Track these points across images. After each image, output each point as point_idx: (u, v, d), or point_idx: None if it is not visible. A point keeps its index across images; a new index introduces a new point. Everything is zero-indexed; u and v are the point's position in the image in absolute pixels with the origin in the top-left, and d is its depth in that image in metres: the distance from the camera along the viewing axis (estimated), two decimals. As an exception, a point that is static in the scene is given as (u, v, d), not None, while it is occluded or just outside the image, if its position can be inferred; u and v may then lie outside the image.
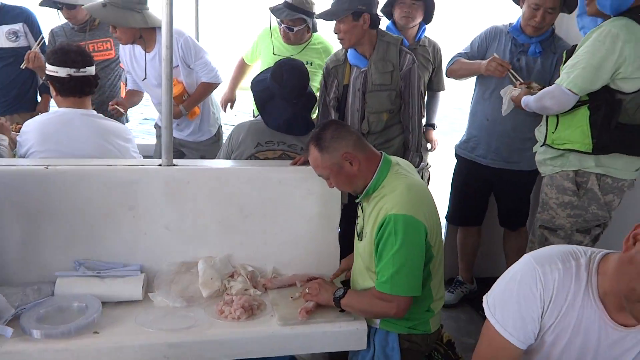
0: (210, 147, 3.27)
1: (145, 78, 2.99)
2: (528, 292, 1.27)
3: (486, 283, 1.43)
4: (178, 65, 2.92)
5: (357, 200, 2.01)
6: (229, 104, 3.70)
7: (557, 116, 2.22)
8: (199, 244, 2.19)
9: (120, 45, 3.05)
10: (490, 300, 1.35)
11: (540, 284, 1.26)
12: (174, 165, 2.16)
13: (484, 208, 3.10)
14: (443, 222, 3.27)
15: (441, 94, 3.49)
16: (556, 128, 2.24)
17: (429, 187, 3.18)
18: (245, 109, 4.68)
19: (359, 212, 2.04)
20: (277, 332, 1.85)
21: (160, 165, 2.15)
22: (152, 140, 3.52)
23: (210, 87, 3.08)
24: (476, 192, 3.04)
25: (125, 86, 3.35)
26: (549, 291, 1.26)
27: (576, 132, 2.15)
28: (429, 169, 3.48)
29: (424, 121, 3.41)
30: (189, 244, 2.17)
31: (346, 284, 2.18)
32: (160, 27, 2.18)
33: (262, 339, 1.84)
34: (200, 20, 3.70)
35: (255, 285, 2.13)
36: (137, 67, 3.03)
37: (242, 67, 3.70)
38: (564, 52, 2.29)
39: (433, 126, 3.53)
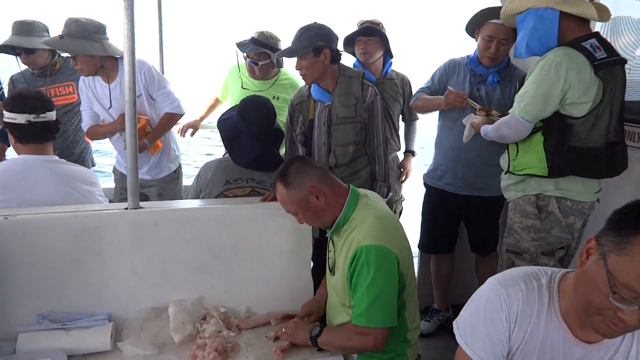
0: (169, 185, 3.21)
1: (110, 107, 2.92)
2: (494, 314, 1.29)
3: (462, 309, 1.43)
4: (141, 95, 2.89)
5: (327, 235, 2.00)
6: (191, 130, 3.68)
7: (517, 143, 2.28)
8: (168, 288, 2.13)
9: (81, 79, 3.01)
10: (460, 326, 1.36)
11: (505, 305, 1.28)
12: (141, 207, 2.12)
13: (454, 235, 3.13)
14: (416, 250, 3.29)
15: (418, 122, 3.58)
16: (517, 155, 2.31)
17: (401, 219, 3.22)
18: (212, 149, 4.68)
19: (330, 247, 2.03)
20: (253, 375, 1.80)
21: (126, 208, 2.10)
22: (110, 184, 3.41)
23: (173, 117, 3.05)
24: (446, 220, 3.07)
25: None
26: (513, 313, 1.28)
27: (533, 157, 2.22)
28: (402, 202, 3.51)
29: (403, 148, 3.51)
30: (159, 288, 2.12)
31: (322, 321, 2.15)
32: (122, 57, 2.17)
33: (238, 383, 1.78)
34: (165, 53, 3.70)
35: (229, 326, 2.08)
36: (100, 97, 2.95)
37: (214, 103, 3.74)
38: (517, 81, 2.38)
39: (412, 153, 3.57)
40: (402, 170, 3.46)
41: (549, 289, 1.29)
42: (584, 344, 1.25)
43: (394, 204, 3.32)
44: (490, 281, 1.34)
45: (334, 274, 1.98)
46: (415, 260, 3.39)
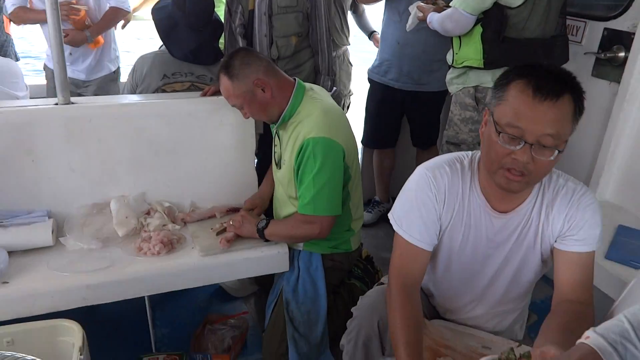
0: (107, 85, 3.06)
1: None
2: (424, 197, 1.38)
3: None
4: None
5: (273, 129, 1.99)
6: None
7: (460, 37, 2.28)
8: (109, 184, 2.10)
9: None
10: (395, 214, 1.44)
11: (433, 187, 1.37)
12: (72, 103, 2.02)
13: (397, 130, 3.18)
14: (359, 145, 3.35)
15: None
16: (459, 48, 2.31)
17: (349, 114, 3.23)
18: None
19: (276, 141, 2.03)
20: (199, 263, 1.86)
21: (56, 104, 2.00)
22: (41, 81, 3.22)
23: (118, 13, 2.88)
24: (389, 115, 3.10)
25: (8, 19, 3.02)
26: (441, 193, 1.37)
27: (472, 49, 2.24)
28: (351, 97, 3.50)
29: (366, 32, 3.49)
30: (99, 184, 2.08)
31: (268, 214, 2.20)
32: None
33: (184, 272, 1.83)
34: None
35: (174, 220, 2.10)
36: None
37: None
38: None
39: (374, 32, 3.57)
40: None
41: (470, 168, 1.38)
42: (502, 214, 1.36)
43: (343, 98, 3.32)
44: (418, 168, 1.42)
45: (280, 168, 2.00)
46: (359, 155, 3.48)
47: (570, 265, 1.32)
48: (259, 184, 2.32)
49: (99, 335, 2.18)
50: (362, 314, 1.48)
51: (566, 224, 1.31)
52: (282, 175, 1.98)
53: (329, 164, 1.80)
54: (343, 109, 3.23)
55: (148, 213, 2.10)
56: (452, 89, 2.45)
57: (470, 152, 1.42)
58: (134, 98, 2.32)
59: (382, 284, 1.66)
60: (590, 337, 0.64)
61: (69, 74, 2.84)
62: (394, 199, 3.47)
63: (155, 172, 2.15)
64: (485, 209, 1.37)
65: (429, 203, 1.38)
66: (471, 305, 1.53)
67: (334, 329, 1.94)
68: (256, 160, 2.77)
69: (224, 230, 2.00)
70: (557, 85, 1.16)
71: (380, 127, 3.15)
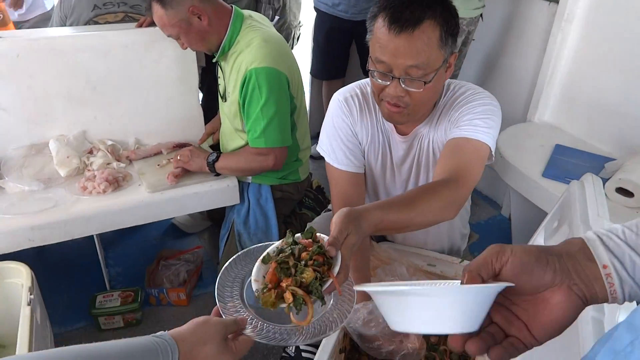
0: (43, 25, 2.84)
1: None
2: (340, 122, 1.41)
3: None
4: None
5: (214, 60, 1.93)
6: None
7: None
8: (46, 124, 2.01)
9: None
10: (322, 146, 1.46)
11: (346, 110, 1.40)
12: (-3, 37, 1.88)
13: (345, 60, 3.15)
14: (308, 77, 3.31)
15: None
16: None
17: (298, 45, 3.15)
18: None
19: (219, 73, 1.98)
20: (147, 200, 1.83)
21: (-22, 38, 1.86)
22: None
23: None
24: (338, 45, 3.05)
25: None
26: (354, 116, 1.40)
27: None
28: (301, 27, 3.40)
29: None
30: (34, 124, 1.99)
31: (215, 148, 2.18)
32: None
33: (132, 208, 1.81)
34: None
35: (118, 158, 2.05)
36: None
37: None
38: None
39: None
40: None
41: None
42: (404, 137, 1.40)
43: (293, 29, 3.22)
44: (333, 96, 1.44)
45: (225, 101, 1.95)
46: (307, 87, 3.44)
47: (445, 152, 1.28)
48: (206, 119, 2.28)
49: (51, 277, 2.19)
50: None
51: (448, 124, 1.32)
52: (227, 109, 1.94)
53: (275, 95, 1.77)
54: (293, 41, 3.16)
55: (90, 152, 2.04)
56: None
57: None
58: (64, 31, 2.18)
59: (329, 210, 1.70)
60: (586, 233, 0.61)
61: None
62: None
63: (95, 109, 2.07)
64: (392, 134, 1.41)
65: (346, 127, 1.40)
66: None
67: (286, 257, 1.99)
68: (201, 95, 2.70)
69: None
70: (414, 13, 1.12)
71: (329, 57, 3.11)
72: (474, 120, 1.25)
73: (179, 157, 1.94)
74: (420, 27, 1.12)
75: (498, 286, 0.56)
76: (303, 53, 3.37)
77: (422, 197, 1.09)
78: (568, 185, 1.32)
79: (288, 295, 0.82)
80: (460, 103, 1.30)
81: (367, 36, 1.23)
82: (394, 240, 1.66)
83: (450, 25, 1.16)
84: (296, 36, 3.29)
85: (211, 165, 1.90)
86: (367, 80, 1.41)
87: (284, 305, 0.83)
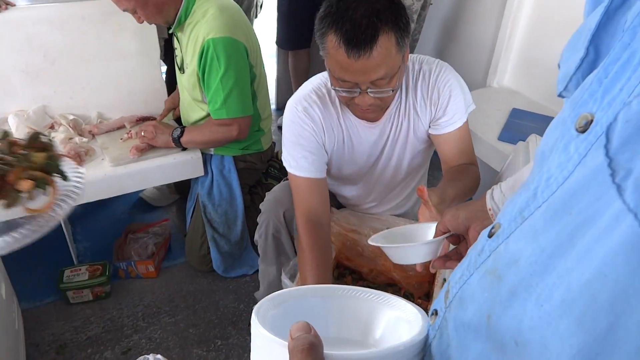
0: None
1: None
2: (301, 130, 1.35)
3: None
4: None
5: (170, 31, 1.91)
6: None
7: None
8: (5, 98, 1.98)
9: None
10: (284, 156, 1.41)
11: (307, 119, 1.35)
12: (-54, 10, 1.83)
13: (310, 30, 3.12)
14: (274, 47, 3.29)
15: None
16: None
17: (262, 14, 3.12)
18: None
19: (176, 44, 1.96)
20: (110, 173, 1.83)
21: None
22: None
23: None
24: (302, 13, 3.03)
25: None
26: (317, 123, 1.35)
27: None
28: None
29: None
30: (-8, 99, 1.96)
31: (177, 122, 2.17)
32: None
33: (94, 182, 1.80)
34: None
35: (81, 132, 2.03)
36: None
37: None
38: None
39: None
40: None
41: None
42: (373, 124, 1.38)
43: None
44: (288, 104, 1.38)
45: (183, 72, 1.94)
46: (274, 58, 3.42)
47: (448, 144, 1.38)
48: (170, 91, 2.26)
49: (18, 254, 2.17)
50: (269, 208, 1.54)
51: (432, 108, 1.35)
52: (186, 80, 1.93)
53: (233, 64, 1.77)
54: (256, 9, 3.12)
55: (52, 127, 2.02)
56: None
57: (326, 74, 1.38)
58: (19, 3, 2.12)
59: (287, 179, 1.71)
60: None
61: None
62: None
63: (54, 83, 2.04)
64: (359, 126, 1.39)
65: (308, 134, 1.36)
66: (372, 204, 1.62)
67: (253, 227, 2.00)
68: (165, 67, 2.68)
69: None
70: (367, 31, 1.09)
71: (293, 26, 3.09)
72: (463, 104, 1.34)
73: (142, 134, 1.92)
74: (377, 44, 1.09)
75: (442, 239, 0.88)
76: (269, 23, 3.35)
77: (464, 175, 1.31)
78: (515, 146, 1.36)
79: (25, 184, 0.85)
80: (438, 85, 1.32)
81: (321, 52, 1.19)
82: (352, 208, 1.69)
83: (403, 24, 1.14)
84: (259, 4, 3.25)
85: (177, 141, 1.90)
86: (319, 81, 1.38)
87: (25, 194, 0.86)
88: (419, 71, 1.33)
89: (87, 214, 2.47)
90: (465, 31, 2.64)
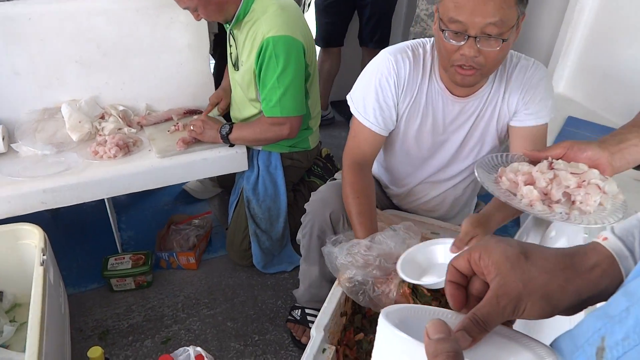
0: None
1: None
2: (383, 81, 1.37)
3: (342, 106, 1.50)
4: None
5: (228, 29, 1.92)
6: None
7: None
8: (58, 88, 2.02)
9: None
10: (353, 96, 1.45)
11: (393, 72, 1.36)
12: (8, 0, 1.88)
13: (343, 27, 3.09)
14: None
15: None
16: None
17: (309, 13, 3.11)
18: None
19: (231, 42, 1.96)
20: (157, 165, 1.85)
21: (-10, 1, 1.86)
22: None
23: None
24: (339, 10, 3.00)
25: None
26: (401, 78, 1.37)
27: None
28: None
29: None
30: (47, 88, 2.00)
31: (224, 117, 2.17)
32: None
33: (142, 173, 1.83)
34: None
35: (129, 123, 2.07)
36: None
37: None
38: None
39: None
40: None
41: (431, 54, 1.37)
42: (460, 99, 1.37)
43: None
44: (382, 52, 1.40)
45: (237, 69, 1.94)
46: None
47: (524, 139, 1.36)
48: (216, 86, 2.27)
49: (66, 241, 2.24)
50: (315, 208, 1.53)
51: (520, 101, 1.34)
52: (240, 78, 1.93)
53: (292, 63, 1.76)
54: (304, 7, 3.11)
55: (102, 117, 2.05)
56: None
57: (432, 39, 1.39)
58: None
59: (335, 179, 1.70)
60: (608, 238, 0.56)
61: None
62: (332, 104, 3.47)
63: (107, 74, 2.08)
64: (443, 94, 1.38)
65: (387, 88, 1.38)
66: (425, 189, 1.59)
67: (295, 225, 2.01)
68: (213, 62, 2.69)
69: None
70: None
71: (326, 23, 3.06)
72: (550, 104, 1.33)
73: (191, 128, 1.94)
74: None
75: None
76: (310, 20, 3.33)
77: None
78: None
79: None
80: (533, 80, 1.32)
81: (440, 4, 1.17)
82: (402, 207, 1.67)
83: None
84: (307, 2, 3.23)
85: (225, 137, 1.90)
86: (419, 41, 1.39)
87: None
88: (517, 64, 1.34)
89: (131, 204, 2.52)
90: (522, 35, 2.56)
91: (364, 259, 1.24)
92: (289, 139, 1.91)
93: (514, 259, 0.53)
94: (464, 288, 0.57)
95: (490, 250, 0.54)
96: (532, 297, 0.52)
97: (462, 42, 1.16)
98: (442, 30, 1.18)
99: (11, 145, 1.87)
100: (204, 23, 2.15)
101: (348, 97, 1.46)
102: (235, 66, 1.96)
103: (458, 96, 1.37)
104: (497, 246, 0.54)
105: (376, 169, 1.67)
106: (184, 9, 1.80)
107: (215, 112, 2.16)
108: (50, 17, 1.92)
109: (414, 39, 2.42)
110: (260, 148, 2.02)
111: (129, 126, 2.05)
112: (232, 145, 1.95)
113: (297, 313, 1.83)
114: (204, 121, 1.94)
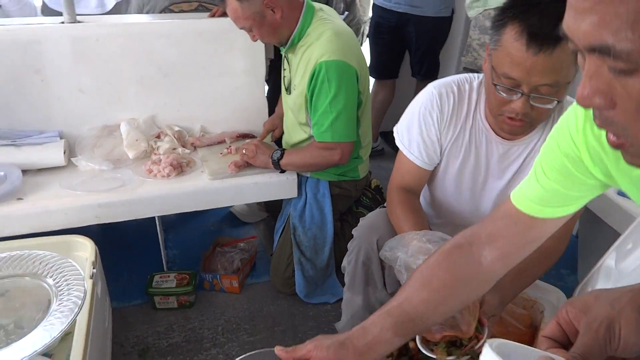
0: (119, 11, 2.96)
1: None
2: (427, 115, 1.36)
3: (392, 137, 1.50)
4: None
5: (282, 52, 1.94)
6: None
7: None
8: (118, 106, 2.09)
9: None
10: (399, 128, 1.45)
11: (437, 107, 1.35)
12: (79, 22, 1.98)
13: (395, 59, 3.08)
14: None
15: None
16: None
17: (366, 42, 3.13)
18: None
19: (285, 65, 1.99)
20: (208, 186, 1.87)
21: (62, 22, 1.96)
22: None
23: None
24: (387, 40, 3.01)
25: None
26: (444, 114, 1.35)
27: None
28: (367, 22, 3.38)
29: None
30: (108, 106, 2.08)
31: (277, 142, 2.19)
32: None
33: (193, 193, 1.85)
34: None
35: (184, 144, 2.11)
36: None
37: None
38: None
39: None
40: None
41: (477, 92, 1.35)
42: (505, 141, 1.33)
43: (362, 25, 3.20)
44: (428, 86, 1.39)
45: (290, 93, 1.96)
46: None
47: None
48: (269, 111, 2.30)
49: (113, 255, 2.28)
50: (362, 234, 1.50)
51: None
52: (292, 101, 1.95)
53: (344, 89, 1.76)
54: (362, 37, 3.13)
55: (158, 136, 2.11)
56: (471, 12, 2.36)
57: (481, 74, 1.36)
58: (141, 18, 2.27)
59: (384, 207, 1.67)
60: None
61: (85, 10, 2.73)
62: (382, 134, 3.43)
63: (165, 95, 2.14)
64: (487, 134, 1.35)
65: (430, 122, 1.36)
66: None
67: (340, 255, 1.97)
68: (267, 87, 2.73)
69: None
70: (554, 31, 1.01)
71: (377, 54, 3.06)
72: None
73: (244, 152, 1.95)
74: (560, 46, 1.03)
75: None
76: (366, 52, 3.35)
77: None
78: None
79: None
80: None
81: (491, 45, 1.14)
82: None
83: None
84: (365, 33, 3.25)
85: (276, 163, 1.91)
86: (466, 76, 1.37)
87: None
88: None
89: (179, 223, 2.55)
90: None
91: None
92: (339, 165, 1.90)
93: (597, 293, 0.55)
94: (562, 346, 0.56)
95: (574, 301, 0.55)
96: (624, 312, 0.51)
97: (515, 97, 1.13)
98: (495, 85, 1.14)
99: (71, 159, 1.94)
100: (260, 48, 2.19)
101: (394, 130, 1.46)
102: (288, 90, 1.98)
103: (504, 138, 1.33)
104: (580, 296, 0.55)
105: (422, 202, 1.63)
106: (240, 29, 1.84)
107: (268, 139, 2.17)
108: (116, 39, 2.01)
109: (464, 68, 2.42)
110: (308, 175, 2.02)
111: (183, 147, 2.09)
112: (282, 171, 1.95)
113: None
114: (257, 145, 1.95)
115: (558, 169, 0.79)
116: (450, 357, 1.08)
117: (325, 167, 1.92)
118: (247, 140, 2.12)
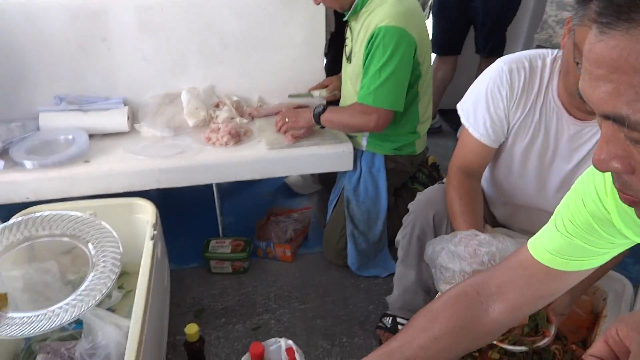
0: None
1: None
2: (495, 91, 1.30)
3: (451, 115, 1.46)
4: None
5: (345, 19, 1.92)
6: None
7: None
8: (180, 75, 2.14)
9: None
10: (464, 106, 1.40)
11: (506, 83, 1.29)
12: (144, -9, 2.02)
13: (461, 35, 2.97)
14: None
15: None
16: None
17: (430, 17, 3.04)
18: None
19: (347, 34, 1.96)
20: (265, 156, 1.90)
21: (128, -9, 2.01)
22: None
23: None
24: (452, 15, 2.89)
25: None
26: (514, 90, 1.29)
27: None
28: None
29: None
30: (170, 75, 2.13)
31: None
32: None
33: (249, 162, 1.88)
34: None
35: (242, 114, 2.13)
36: None
37: None
38: None
39: None
40: None
41: (550, 69, 1.28)
42: (578, 121, 1.26)
43: None
44: (497, 61, 1.33)
45: (350, 62, 1.94)
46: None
47: None
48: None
49: (172, 219, 2.35)
50: (418, 208, 1.48)
51: None
52: (352, 70, 1.92)
53: (398, 56, 1.71)
54: (428, 10, 3.04)
55: (217, 105, 2.14)
56: None
57: (555, 51, 1.29)
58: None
59: (443, 183, 1.63)
60: None
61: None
62: (443, 113, 3.31)
63: (225, 65, 2.16)
64: (559, 113, 1.28)
65: (499, 99, 1.31)
66: (530, 215, 1.47)
67: (393, 230, 1.95)
68: (325, 61, 2.71)
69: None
70: None
71: (442, 29, 2.95)
72: None
73: (286, 119, 1.95)
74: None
75: None
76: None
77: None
78: None
79: None
80: None
81: (575, 20, 1.07)
82: (510, 227, 1.56)
83: None
84: (430, 6, 3.14)
85: (317, 117, 1.89)
86: (539, 52, 1.30)
87: None
88: None
89: (234, 191, 2.61)
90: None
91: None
92: (374, 132, 1.87)
93: None
94: None
95: (624, 320, 0.52)
96: None
97: None
98: (577, 63, 1.08)
99: (134, 125, 2.01)
100: (321, 20, 2.17)
101: (458, 107, 1.40)
102: (349, 59, 1.95)
103: (576, 118, 1.26)
104: (632, 313, 0.53)
105: (482, 182, 1.58)
106: None
107: (323, 94, 2.16)
108: (180, 8, 2.04)
109: (538, 46, 2.30)
110: (364, 148, 2.00)
111: (241, 116, 2.11)
112: (322, 127, 1.94)
113: (387, 321, 1.79)
114: (296, 109, 1.97)
115: (582, 227, 0.73)
116: (511, 346, 1.08)
117: (359, 130, 1.91)
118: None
